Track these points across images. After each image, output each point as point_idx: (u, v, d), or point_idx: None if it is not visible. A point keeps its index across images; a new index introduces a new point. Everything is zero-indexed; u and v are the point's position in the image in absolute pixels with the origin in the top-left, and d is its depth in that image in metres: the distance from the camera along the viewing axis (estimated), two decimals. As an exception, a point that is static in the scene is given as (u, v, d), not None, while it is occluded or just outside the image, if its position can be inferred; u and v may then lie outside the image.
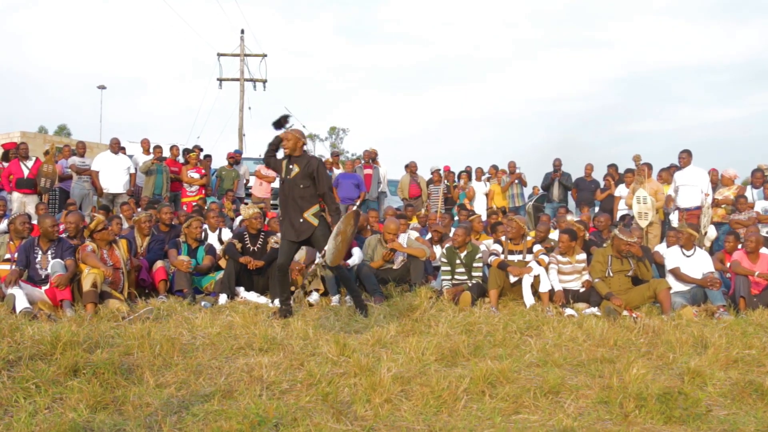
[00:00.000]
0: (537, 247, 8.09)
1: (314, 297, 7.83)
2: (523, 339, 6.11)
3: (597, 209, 13.62)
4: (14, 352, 4.79)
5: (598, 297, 7.61)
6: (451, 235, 10.15)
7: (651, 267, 7.94)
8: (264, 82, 29.40)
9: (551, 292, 7.75)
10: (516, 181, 14.64)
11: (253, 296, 7.83)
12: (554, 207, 14.15)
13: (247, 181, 15.11)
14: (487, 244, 9.00)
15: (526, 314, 7.17)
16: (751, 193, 11.26)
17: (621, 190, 12.60)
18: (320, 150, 50.40)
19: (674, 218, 10.64)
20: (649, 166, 11.47)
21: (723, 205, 11.02)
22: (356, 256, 8.39)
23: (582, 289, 7.99)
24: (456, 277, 8.24)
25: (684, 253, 8.25)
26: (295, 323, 6.35)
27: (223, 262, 8.30)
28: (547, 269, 7.91)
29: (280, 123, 6.81)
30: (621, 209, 12.34)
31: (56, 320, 6.34)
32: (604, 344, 5.95)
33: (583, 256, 8.15)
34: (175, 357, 5.08)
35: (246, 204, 12.92)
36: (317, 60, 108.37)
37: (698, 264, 8.16)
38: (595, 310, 7.43)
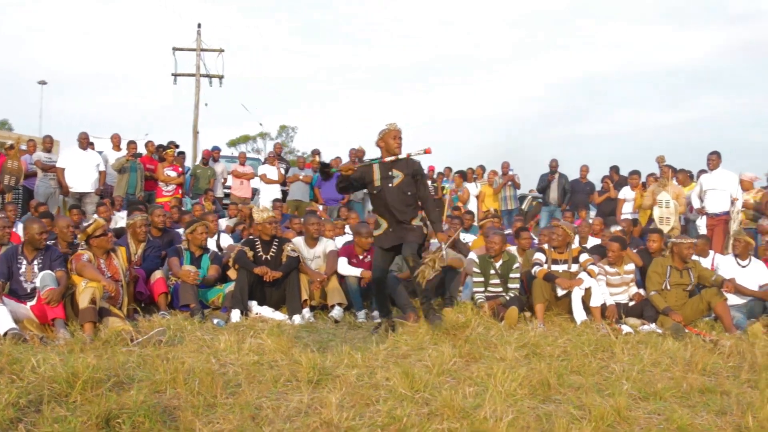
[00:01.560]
0: (584, 257, 7.25)
1: (337, 312, 6.94)
2: (601, 364, 5.35)
3: (593, 213, 13.03)
4: (24, 395, 3.77)
5: (653, 312, 6.92)
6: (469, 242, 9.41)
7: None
8: (221, 78, 28.50)
9: (603, 306, 6.98)
10: (509, 182, 13.96)
11: (267, 311, 6.84)
12: (551, 210, 13.50)
13: (225, 180, 14.07)
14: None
15: (581, 333, 6.39)
16: None
17: (625, 193, 12.05)
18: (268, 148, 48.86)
19: (701, 224, 10.03)
20: (673, 169, 10.86)
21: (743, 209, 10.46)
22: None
23: (631, 303, 7.28)
24: (489, 288, 7.41)
25: (739, 263, 7.57)
26: (338, 346, 5.48)
27: (231, 273, 7.31)
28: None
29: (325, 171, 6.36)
30: (624, 213, 11.79)
31: (48, 343, 5.33)
32: (692, 370, 5.23)
33: (631, 266, 7.41)
34: (218, 395, 4.15)
35: (258, 206, 11.90)
36: (273, 57, 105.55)
37: (754, 274, 7.48)
38: (653, 326, 6.71)
